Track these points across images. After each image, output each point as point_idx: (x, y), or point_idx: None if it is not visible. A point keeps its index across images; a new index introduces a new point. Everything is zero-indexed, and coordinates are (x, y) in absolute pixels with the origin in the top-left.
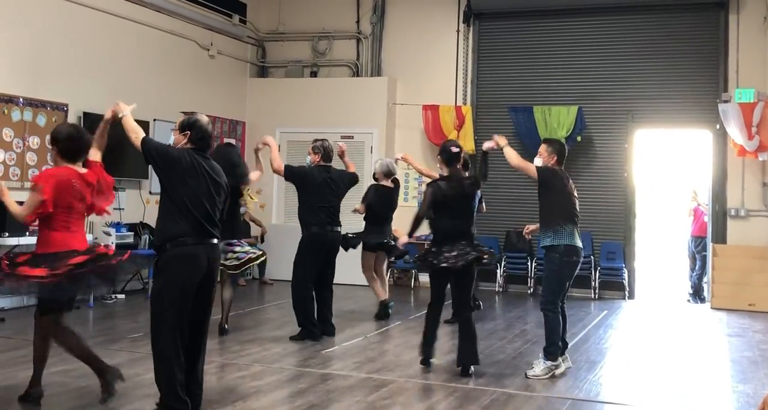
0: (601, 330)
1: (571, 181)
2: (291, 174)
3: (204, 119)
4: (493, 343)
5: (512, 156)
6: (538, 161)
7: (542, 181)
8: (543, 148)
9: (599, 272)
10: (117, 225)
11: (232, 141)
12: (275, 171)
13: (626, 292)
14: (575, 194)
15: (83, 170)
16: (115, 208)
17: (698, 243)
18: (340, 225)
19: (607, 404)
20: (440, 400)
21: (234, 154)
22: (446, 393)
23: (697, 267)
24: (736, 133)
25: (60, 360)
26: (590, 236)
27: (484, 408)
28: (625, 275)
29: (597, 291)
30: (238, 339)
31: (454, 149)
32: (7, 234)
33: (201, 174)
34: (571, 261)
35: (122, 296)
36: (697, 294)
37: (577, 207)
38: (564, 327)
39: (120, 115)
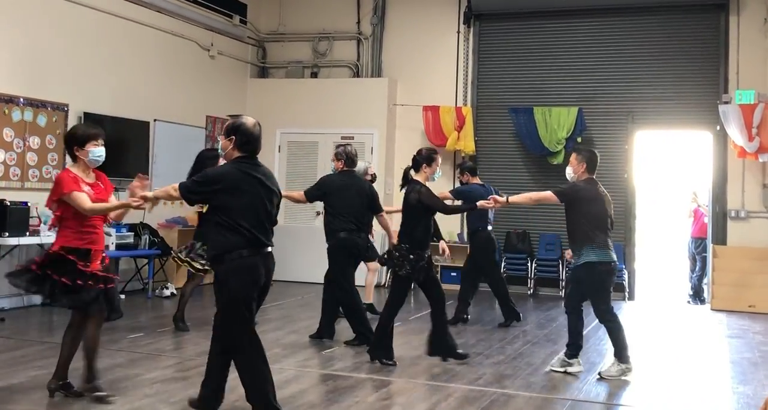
0: (601, 332)
1: (601, 187)
2: (311, 195)
3: (249, 122)
4: (493, 344)
5: (523, 199)
6: (569, 170)
7: (566, 202)
8: (573, 157)
9: None
10: (117, 226)
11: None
12: (299, 201)
13: (626, 293)
14: (607, 201)
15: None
16: None
17: (698, 245)
18: (366, 232)
19: (606, 405)
20: (440, 401)
21: (208, 165)
22: (446, 394)
23: (697, 269)
24: (736, 134)
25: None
26: None
27: (483, 409)
28: (626, 276)
29: None
30: None
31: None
32: (7, 234)
33: (251, 184)
34: (610, 270)
35: (122, 296)
36: (697, 296)
37: (611, 213)
38: (581, 330)
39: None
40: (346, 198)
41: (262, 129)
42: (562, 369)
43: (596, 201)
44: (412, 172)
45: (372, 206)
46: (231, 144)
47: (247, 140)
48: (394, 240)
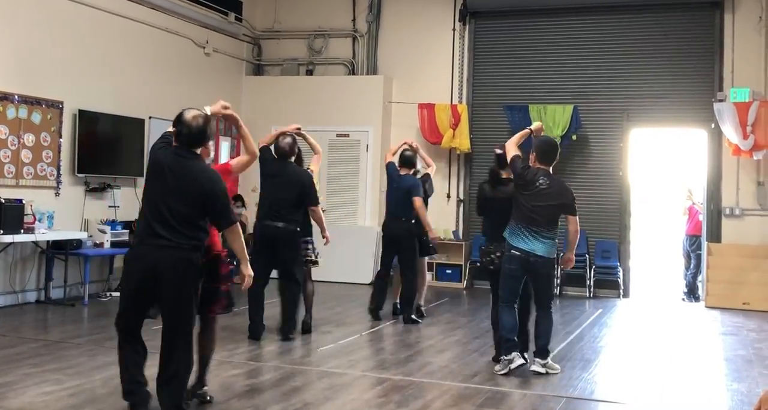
0: (595, 329)
1: (546, 180)
2: (260, 152)
3: (189, 114)
4: (488, 341)
5: (514, 141)
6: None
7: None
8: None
9: (594, 271)
10: (112, 223)
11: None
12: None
13: (621, 291)
14: (551, 195)
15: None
16: (110, 206)
17: (693, 242)
18: (288, 222)
19: (601, 402)
20: (435, 398)
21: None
22: (441, 392)
23: (691, 266)
24: (731, 132)
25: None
26: (585, 234)
27: (478, 407)
28: (620, 274)
29: (592, 289)
30: (233, 337)
31: (498, 151)
32: (1, 231)
33: (170, 174)
34: (510, 256)
35: (117, 293)
36: (692, 293)
37: (539, 209)
38: (548, 330)
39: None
40: (275, 186)
41: (257, 127)
42: (543, 371)
43: (526, 190)
44: (496, 168)
45: (305, 198)
46: (174, 135)
47: (181, 131)
48: (327, 234)
